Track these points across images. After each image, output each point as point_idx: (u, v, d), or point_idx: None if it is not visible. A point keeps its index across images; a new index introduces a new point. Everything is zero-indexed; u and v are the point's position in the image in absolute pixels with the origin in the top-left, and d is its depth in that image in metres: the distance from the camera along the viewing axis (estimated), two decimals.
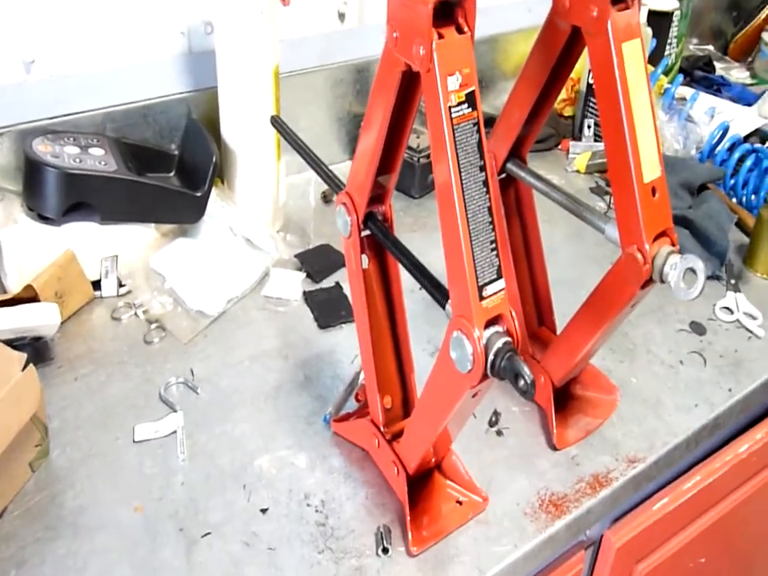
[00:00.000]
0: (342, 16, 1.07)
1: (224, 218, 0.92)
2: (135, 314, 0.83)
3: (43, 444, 0.65)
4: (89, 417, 0.70)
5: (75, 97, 0.90)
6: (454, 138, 0.46)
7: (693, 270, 0.55)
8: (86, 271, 0.83)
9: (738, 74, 1.45)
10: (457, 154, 0.46)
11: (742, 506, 0.87)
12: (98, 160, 0.84)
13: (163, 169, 0.93)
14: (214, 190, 0.90)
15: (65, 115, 0.90)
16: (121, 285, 0.85)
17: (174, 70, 0.96)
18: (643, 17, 1.24)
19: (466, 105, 0.47)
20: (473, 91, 0.47)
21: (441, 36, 0.45)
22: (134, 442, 0.68)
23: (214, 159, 0.87)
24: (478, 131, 0.47)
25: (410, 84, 0.51)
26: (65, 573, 0.57)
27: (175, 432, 0.69)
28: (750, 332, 0.84)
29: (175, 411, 0.71)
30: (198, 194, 0.87)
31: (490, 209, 0.48)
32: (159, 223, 0.89)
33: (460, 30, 0.46)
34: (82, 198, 0.82)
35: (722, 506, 0.85)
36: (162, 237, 0.90)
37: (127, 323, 0.82)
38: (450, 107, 0.46)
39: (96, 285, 0.85)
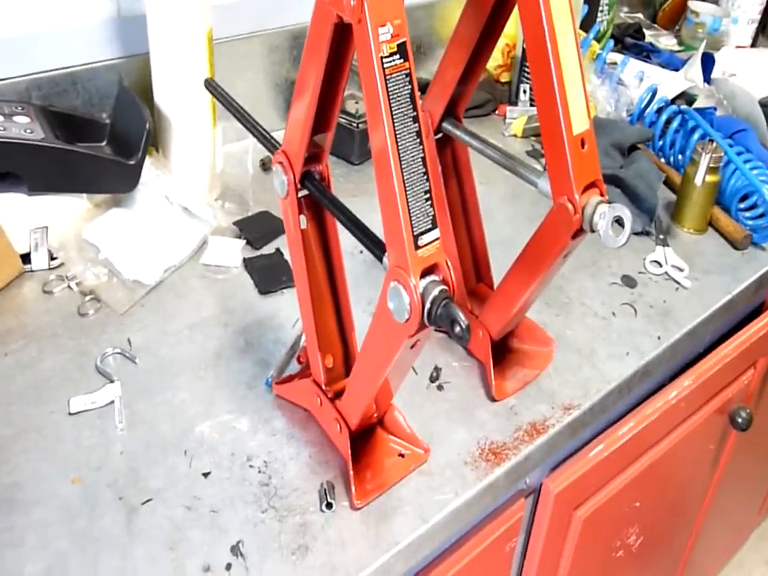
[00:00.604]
0: None
1: (159, 186, 0.89)
2: (68, 286, 0.80)
3: None
4: (21, 392, 0.68)
5: None
6: (387, 88, 0.46)
7: (620, 219, 0.57)
8: (15, 244, 0.80)
9: (666, 41, 1.49)
10: (390, 104, 0.46)
11: (673, 450, 0.91)
12: (24, 128, 0.80)
13: (94, 138, 0.90)
14: (148, 159, 0.88)
15: None
16: (52, 257, 0.83)
17: (102, 35, 0.92)
18: None
19: (397, 55, 0.47)
20: (404, 42, 0.47)
21: None
22: (69, 414, 0.66)
23: (147, 126, 0.84)
24: (410, 82, 0.48)
25: (342, 38, 0.50)
26: (0, 549, 0.55)
27: (113, 402, 0.67)
28: (678, 283, 0.88)
29: (112, 381, 0.69)
30: (131, 162, 0.84)
31: (423, 159, 0.48)
32: (91, 193, 0.86)
33: None
34: (7, 168, 0.79)
35: (654, 450, 0.89)
36: (94, 207, 0.88)
37: (60, 296, 0.79)
38: (381, 57, 0.46)
39: (26, 258, 0.81)
